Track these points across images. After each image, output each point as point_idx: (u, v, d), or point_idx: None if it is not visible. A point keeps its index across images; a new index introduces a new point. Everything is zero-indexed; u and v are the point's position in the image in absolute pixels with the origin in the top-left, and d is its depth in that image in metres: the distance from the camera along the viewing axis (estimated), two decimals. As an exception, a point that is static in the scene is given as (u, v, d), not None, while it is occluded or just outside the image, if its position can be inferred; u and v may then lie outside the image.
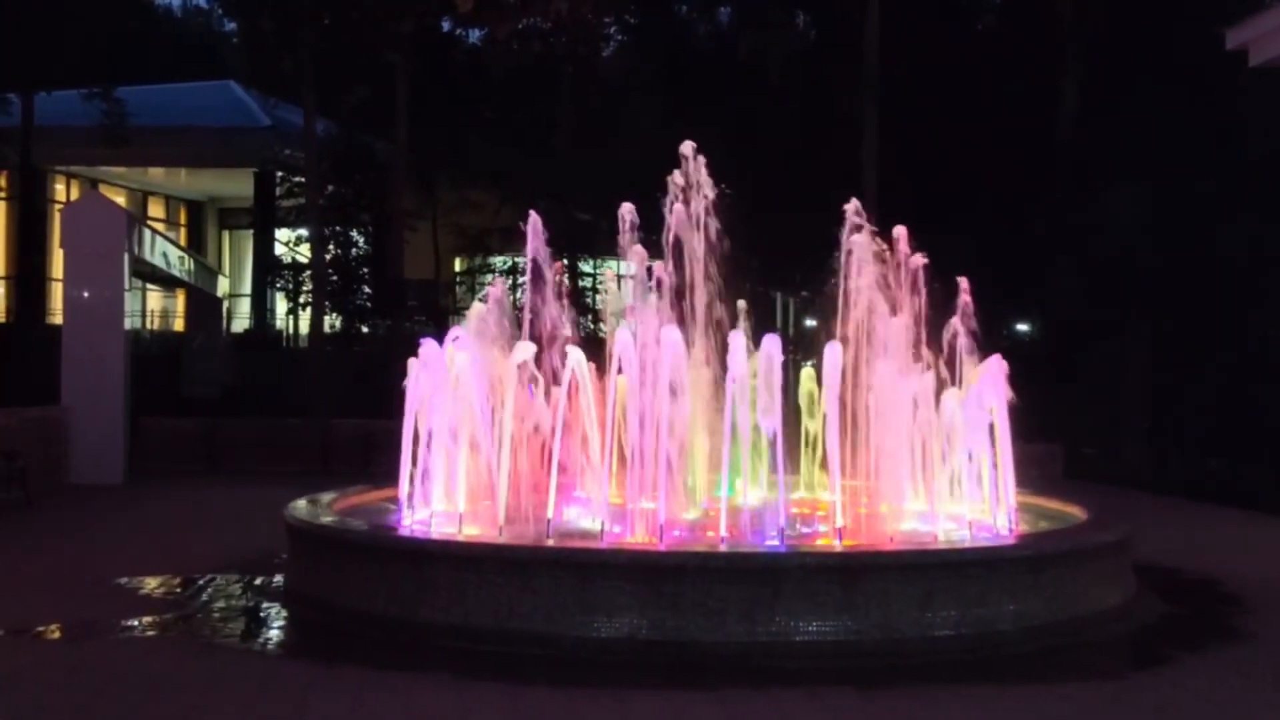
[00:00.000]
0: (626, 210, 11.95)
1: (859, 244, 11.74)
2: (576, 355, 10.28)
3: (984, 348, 12.10)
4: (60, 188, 37.73)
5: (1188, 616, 10.89)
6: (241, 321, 41.05)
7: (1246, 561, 13.67)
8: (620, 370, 10.25)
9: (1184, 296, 25.15)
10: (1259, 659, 9.23)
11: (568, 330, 12.47)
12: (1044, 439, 23.43)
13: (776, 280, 34.35)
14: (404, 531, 10.58)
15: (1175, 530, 16.32)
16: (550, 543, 9.79)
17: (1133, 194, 25.70)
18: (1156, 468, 23.29)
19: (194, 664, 8.81)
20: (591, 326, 24.64)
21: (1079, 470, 23.67)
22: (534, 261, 12.30)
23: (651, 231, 12.70)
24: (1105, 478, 22.51)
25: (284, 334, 38.77)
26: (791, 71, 30.25)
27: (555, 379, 10.79)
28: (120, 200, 36.50)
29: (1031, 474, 16.79)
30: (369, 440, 21.97)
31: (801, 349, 24.11)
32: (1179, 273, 24.97)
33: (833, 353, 10.09)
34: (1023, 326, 32.03)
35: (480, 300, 11.99)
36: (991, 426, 11.14)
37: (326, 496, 12.39)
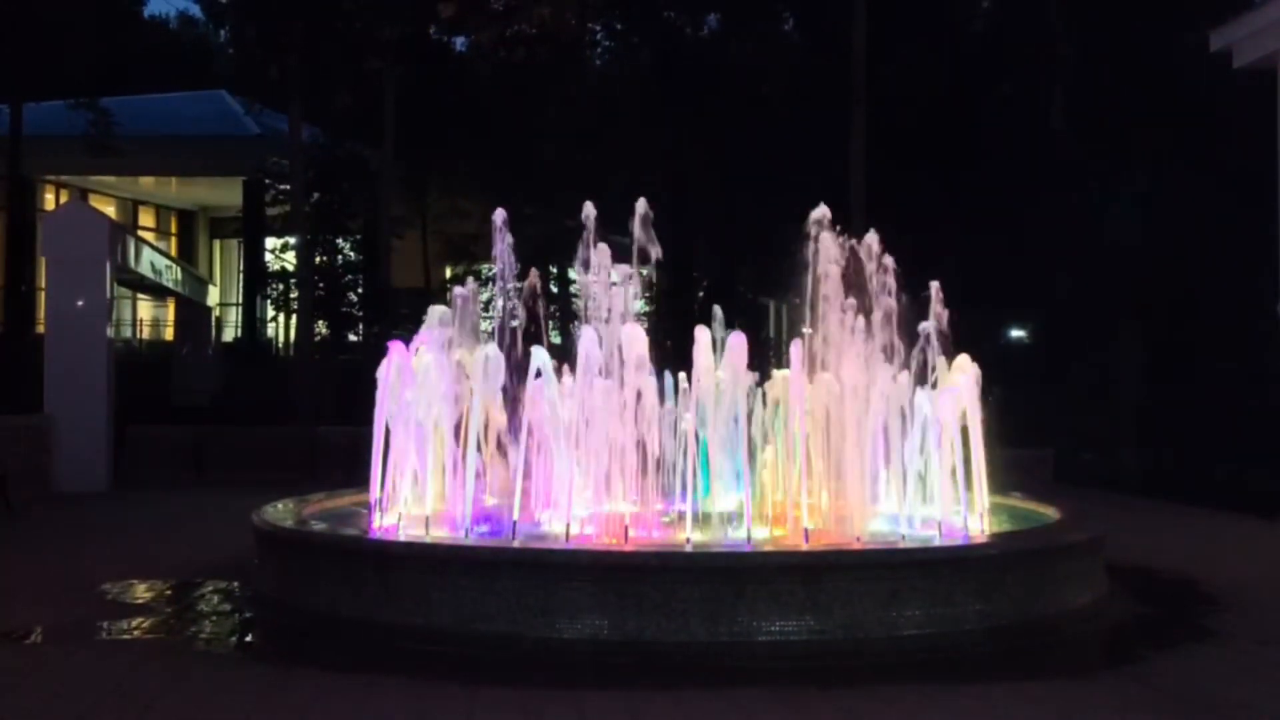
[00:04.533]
0: (589, 210, 11.87)
1: (826, 247, 11.70)
2: (541, 355, 10.26)
3: (962, 349, 12.03)
4: (50, 197, 37.76)
5: (1160, 616, 10.82)
6: (232, 330, 41.04)
7: (1227, 563, 13.60)
8: (584, 369, 10.22)
9: (1176, 299, 25.17)
10: (1229, 658, 9.17)
11: (541, 331, 12.43)
12: (1036, 442, 23.44)
13: (767, 288, 34.35)
14: (369, 534, 10.55)
15: (1160, 533, 16.25)
16: (515, 544, 9.76)
17: (1125, 197, 25.72)
18: (1147, 471, 23.25)
19: (153, 667, 8.74)
20: (576, 332, 24.54)
21: (1070, 474, 23.60)
22: (501, 261, 12.25)
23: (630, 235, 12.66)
24: (1097, 481, 22.45)
25: (274, 343, 38.75)
26: (779, 76, 30.27)
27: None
28: (111, 210, 36.61)
29: (1022, 477, 16.86)
30: (356, 447, 21.87)
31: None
32: (1171, 276, 24.99)
33: (795, 352, 10.05)
34: (1016, 331, 32.02)
35: (447, 304, 11.93)
36: (964, 427, 11.09)
37: (298, 501, 12.38)
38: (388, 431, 11.12)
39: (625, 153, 30.94)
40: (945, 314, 12.28)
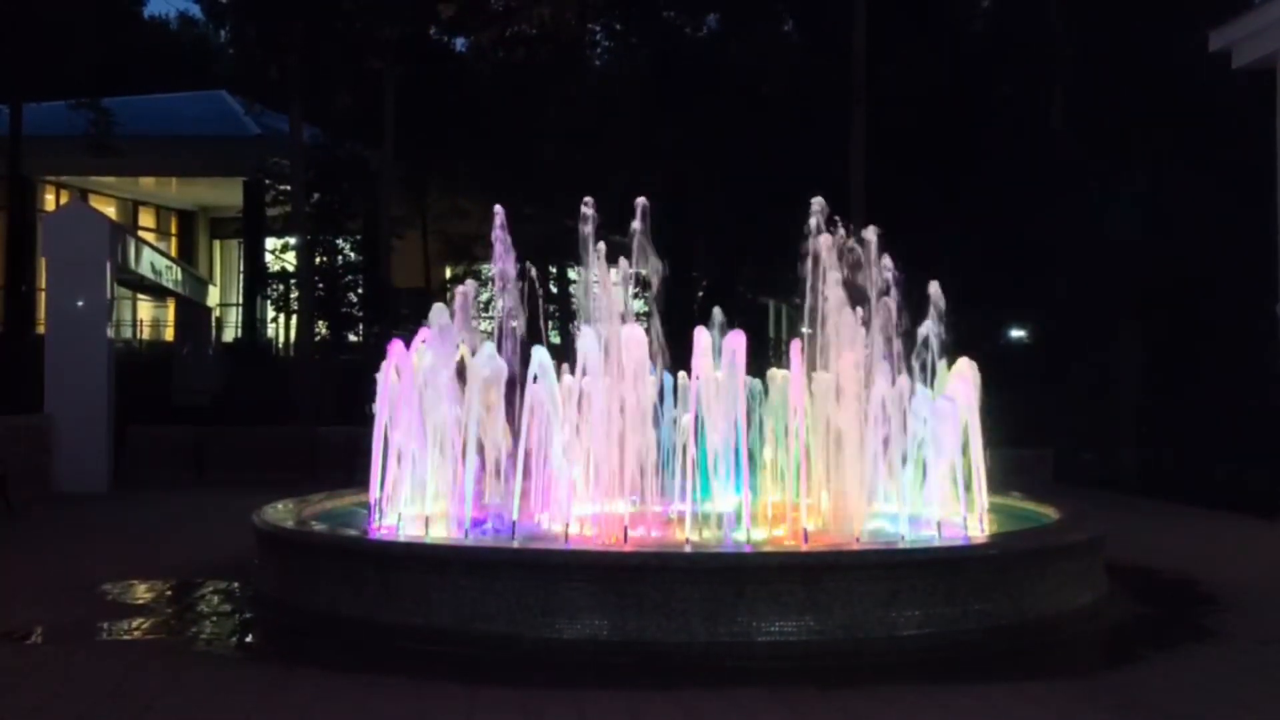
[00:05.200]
0: (588, 206, 11.85)
1: (824, 245, 11.71)
2: (540, 355, 10.27)
3: (961, 349, 12.03)
4: (50, 198, 37.77)
5: (1161, 617, 10.82)
6: (232, 330, 41.07)
7: (1227, 563, 13.61)
8: (584, 369, 10.24)
9: (1176, 299, 25.15)
10: (1229, 658, 9.17)
11: (541, 331, 12.43)
12: (1036, 442, 23.48)
13: (767, 287, 34.34)
14: (369, 534, 10.56)
15: (1160, 533, 16.28)
16: (514, 544, 9.77)
17: (1124, 197, 25.70)
18: (1147, 471, 23.26)
19: (153, 668, 8.74)
20: (576, 332, 24.55)
21: (1070, 474, 23.64)
22: (500, 260, 12.26)
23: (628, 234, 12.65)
24: (1096, 481, 22.48)
25: (274, 343, 38.78)
26: (778, 76, 30.27)
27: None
28: (111, 210, 36.64)
29: (1021, 477, 16.87)
30: (356, 447, 21.87)
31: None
32: (1171, 276, 24.97)
33: (796, 351, 10.06)
34: (1016, 331, 32.02)
35: (447, 304, 11.93)
36: (964, 427, 11.09)
37: (298, 501, 12.40)
38: (387, 431, 11.13)
39: (625, 153, 30.95)
40: (944, 313, 12.29)
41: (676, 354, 11.89)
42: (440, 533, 10.40)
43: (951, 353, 12.00)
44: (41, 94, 31.89)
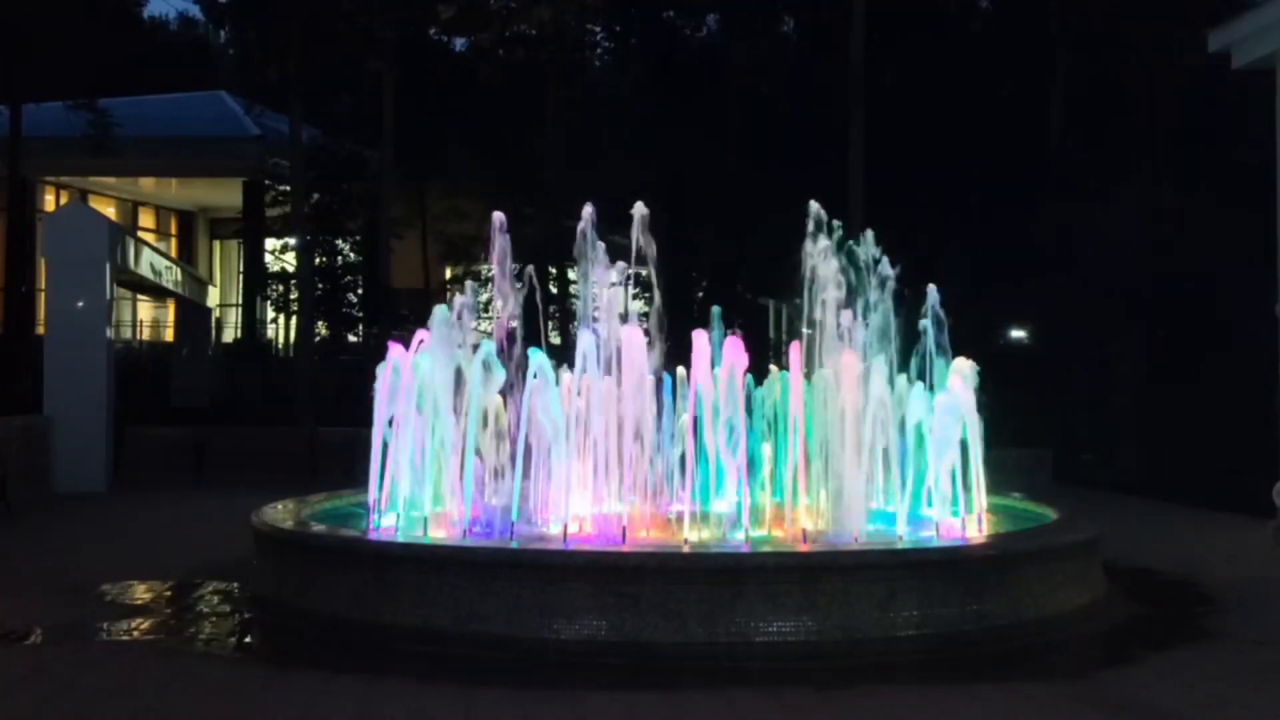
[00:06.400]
0: (587, 211, 11.85)
1: (821, 247, 11.72)
2: (538, 358, 10.27)
3: (961, 349, 12.04)
4: (50, 198, 37.74)
5: (1158, 617, 10.82)
6: (232, 331, 41.07)
7: (1225, 564, 13.62)
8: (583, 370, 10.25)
9: (1175, 300, 25.17)
10: (1225, 658, 9.18)
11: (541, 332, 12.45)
12: (1036, 442, 23.50)
13: (766, 288, 34.33)
14: (368, 535, 10.57)
15: (1159, 533, 16.29)
16: (513, 545, 9.77)
17: (1124, 197, 25.72)
18: (1147, 471, 23.26)
19: (152, 668, 8.75)
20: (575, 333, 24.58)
21: (1070, 474, 23.66)
22: (498, 262, 12.27)
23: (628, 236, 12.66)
24: (1096, 482, 22.49)
25: (274, 343, 38.78)
26: (778, 77, 30.28)
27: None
28: (110, 211, 36.58)
29: (1022, 478, 16.91)
30: (356, 447, 21.89)
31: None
32: (1170, 276, 24.99)
33: (794, 353, 10.07)
34: (1016, 332, 32.03)
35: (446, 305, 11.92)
36: (963, 426, 11.09)
37: (297, 501, 12.41)
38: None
39: (624, 153, 30.97)
40: (943, 314, 12.30)
41: (676, 354, 11.90)
42: (439, 534, 10.41)
43: (951, 353, 12.01)
44: (41, 94, 31.84)
